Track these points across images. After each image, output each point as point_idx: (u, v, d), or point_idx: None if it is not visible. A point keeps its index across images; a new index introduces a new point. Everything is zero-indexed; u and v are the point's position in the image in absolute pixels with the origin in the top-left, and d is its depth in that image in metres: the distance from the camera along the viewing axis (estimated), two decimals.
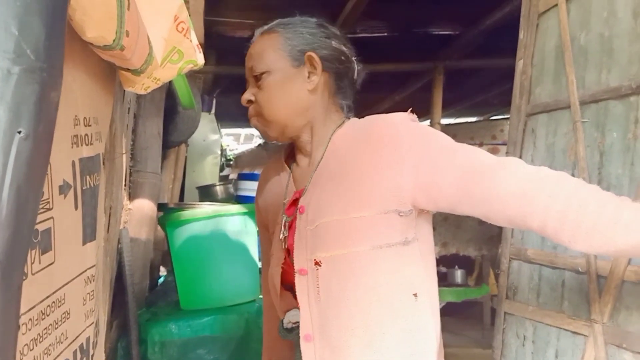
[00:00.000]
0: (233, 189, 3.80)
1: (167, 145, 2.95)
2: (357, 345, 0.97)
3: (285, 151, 1.23)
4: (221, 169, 4.84)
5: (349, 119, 1.13)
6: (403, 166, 0.96)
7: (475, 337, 4.50)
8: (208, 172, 4.44)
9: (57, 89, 0.54)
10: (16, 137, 0.49)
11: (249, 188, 3.90)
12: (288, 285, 1.13)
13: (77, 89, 0.91)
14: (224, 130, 7.39)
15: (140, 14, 0.97)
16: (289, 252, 1.11)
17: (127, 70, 1.03)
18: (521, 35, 1.89)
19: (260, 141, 8.00)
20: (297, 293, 1.05)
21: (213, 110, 4.60)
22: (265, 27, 1.14)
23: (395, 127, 0.98)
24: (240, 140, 9.49)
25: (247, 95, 1.11)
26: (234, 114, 6.06)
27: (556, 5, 1.71)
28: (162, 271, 3.19)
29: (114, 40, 0.85)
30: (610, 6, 1.53)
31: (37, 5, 0.51)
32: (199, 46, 1.24)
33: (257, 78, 1.09)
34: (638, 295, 1.37)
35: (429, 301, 1.00)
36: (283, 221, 1.11)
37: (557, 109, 1.70)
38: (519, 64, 1.88)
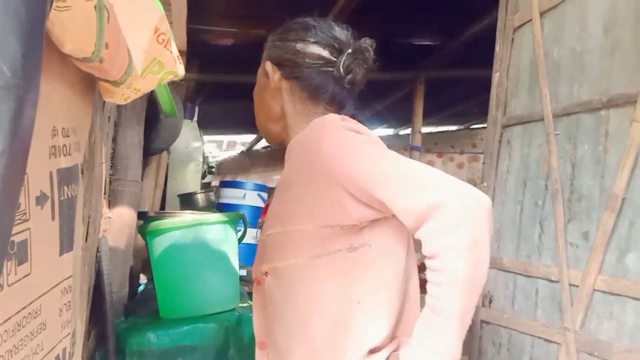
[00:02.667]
0: (214, 196, 3.79)
1: (149, 152, 2.93)
2: (301, 354, 0.96)
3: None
4: (203, 176, 4.81)
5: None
6: (334, 181, 0.89)
7: None
8: (190, 179, 4.41)
9: (33, 106, 0.55)
10: None
11: (231, 196, 3.90)
12: None
13: (56, 99, 0.91)
14: (206, 137, 7.37)
15: (120, 26, 0.98)
16: None
17: (107, 81, 1.04)
18: (497, 48, 1.93)
19: (243, 148, 7.98)
20: (253, 302, 1.08)
21: (195, 118, 4.58)
22: None
23: (319, 139, 0.93)
24: (222, 147, 9.45)
25: None
26: (216, 121, 6.06)
27: (531, 20, 1.76)
28: (143, 279, 3.17)
29: (92, 53, 0.86)
30: (582, 22, 1.58)
31: (13, 23, 0.52)
32: (180, 57, 1.25)
33: None
34: (608, 304, 1.41)
35: (376, 312, 0.93)
36: (258, 227, 1.16)
37: (531, 121, 1.74)
38: (495, 77, 1.92)
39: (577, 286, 1.50)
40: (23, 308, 0.79)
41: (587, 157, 1.53)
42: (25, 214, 0.77)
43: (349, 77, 1.03)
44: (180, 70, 1.23)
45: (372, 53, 1.07)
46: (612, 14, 1.48)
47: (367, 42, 1.07)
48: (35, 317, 0.85)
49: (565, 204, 1.60)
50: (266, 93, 1.10)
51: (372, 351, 0.92)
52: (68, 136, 0.98)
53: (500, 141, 1.90)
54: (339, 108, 1.08)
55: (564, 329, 1.52)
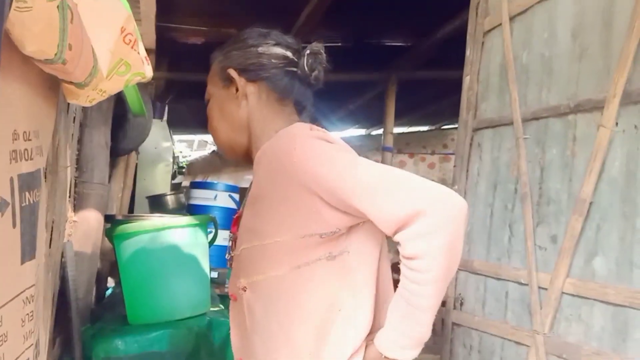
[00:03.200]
0: (185, 198, 3.74)
1: (117, 153, 2.87)
2: None
3: None
4: (173, 177, 4.74)
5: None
6: (308, 190, 0.90)
7: (428, 343, 4.56)
8: (160, 180, 4.33)
9: None
10: None
11: (202, 197, 3.85)
12: None
13: (17, 101, 0.88)
14: (176, 137, 7.27)
15: (84, 26, 0.94)
16: None
17: (71, 83, 1.00)
18: (468, 52, 1.95)
19: (214, 148, 7.91)
20: (230, 319, 1.06)
21: (165, 117, 4.50)
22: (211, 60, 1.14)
23: (289, 149, 0.92)
24: (193, 146, 9.35)
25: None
26: (187, 121, 5.98)
27: (500, 24, 1.78)
28: (110, 282, 3.10)
29: (55, 54, 0.83)
30: (550, 27, 1.60)
31: None
32: (147, 58, 1.21)
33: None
34: (576, 307, 1.43)
35: (357, 316, 0.94)
36: (230, 239, 1.11)
37: (501, 124, 1.76)
38: (466, 80, 1.94)
39: (546, 289, 1.52)
40: None
41: (555, 161, 1.55)
42: None
43: (314, 74, 1.06)
44: (148, 71, 1.20)
45: (325, 55, 1.09)
46: (580, 20, 1.50)
47: (319, 45, 1.09)
48: None
49: (534, 208, 1.62)
50: (228, 104, 1.07)
51: (352, 355, 0.94)
52: (30, 140, 0.95)
53: (471, 144, 1.92)
54: (302, 109, 1.10)
55: (534, 332, 1.54)
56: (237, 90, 1.05)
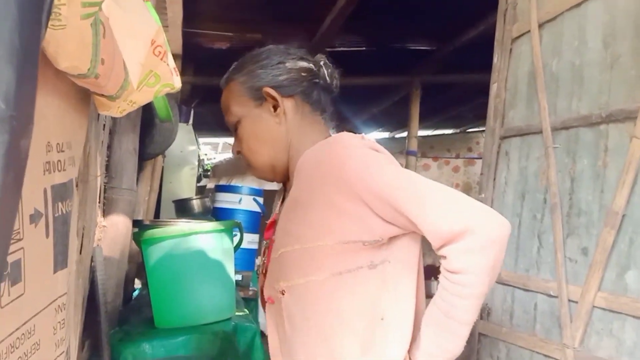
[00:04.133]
0: (210, 201, 3.77)
1: (144, 157, 2.91)
2: None
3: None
4: (198, 180, 4.79)
5: (330, 135, 1.10)
6: (359, 198, 0.91)
7: None
8: (185, 183, 4.39)
9: (27, 137, 0.53)
10: None
11: (227, 200, 3.88)
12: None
13: (50, 114, 0.90)
14: (201, 140, 7.34)
15: (116, 40, 0.96)
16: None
17: (102, 95, 1.02)
18: (495, 59, 1.92)
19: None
20: (267, 322, 1.06)
21: (191, 121, 4.56)
22: (223, 79, 1.14)
23: (343, 157, 0.94)
24: (218, 149, 9.44)
25: (234, 147, 1.13)
26: (212, 124, 6.04)
27: (529, 31, 1.75)
28: (137, 284, 3.14)
29: (88, 69, 0.84)
30: (581, 35, 1.57)
31: (7, 52, 0.50)
32: (176, 69, 1.23)
33: (235, 128, 1.10)
34: (608, 321, 1.40)
35: (398, 325, 0.96)
36: (263, 245, 1.12)
37: (529, 133, 1.73)
38: (493, 87, 1.91)
39: (577, 302, 1.49)
40: (17, 329, 0.78)
41: (586, 171, 1.52)
42: (18, 233, 0.76)
43: (335, 82, 1.11)
44: (176, 82, 1.22)
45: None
46: (612, 29, 1.47)
47: (324, 56, 1.14)
48: (29, 338, 0.83)
49: (564, 219, 1.59)
50: (265, 122, 1.07)
51: None
52: (63, 151, 0.97)
53: (498, 152, 1.89)
54: (329, 116, 1.13)
55: (563, 345, 1.51)
56: (274, 107, 1.06)
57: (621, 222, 1.40)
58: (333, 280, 0.94)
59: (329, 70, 1.10)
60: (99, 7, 0.77)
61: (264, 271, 1.11)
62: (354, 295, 0.94)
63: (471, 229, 0.84)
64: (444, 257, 0.87)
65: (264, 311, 1.17)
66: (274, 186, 1.23)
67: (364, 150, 0.94)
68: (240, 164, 7.49)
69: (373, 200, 0.90)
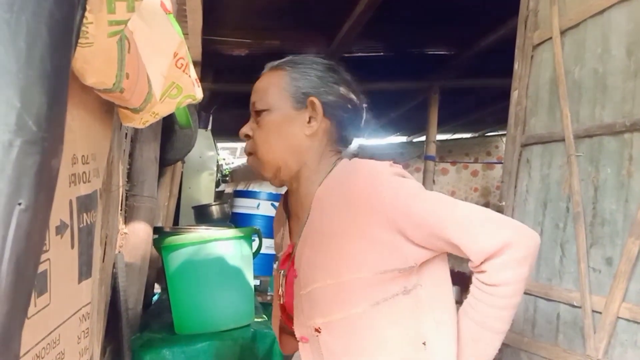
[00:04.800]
0: (229, 207, 3.79)
1: (164, 163, 2.94)
2: None
3: (285, 196, 1.16)
4: (217, 185, 4.82)
5: (340, 159, 1.06)
6: (393, 226, 0.90)
7: None
8: (204, 188, 4.42)
9: (58, 156, 0.54)
10: (16, 209, 0.48)
11: (245, 205, 3.90)
12: (286, 330, 1.12)
13: (76, 128, 0.91)
14: (220, 144, 7.40)
15: (140, 55, 0.98)
16: (284, 307, 1.09)
17: (126, 108, 1.04)
18: (516, 66, 1.90)
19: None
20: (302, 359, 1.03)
21: (209, 127, 4.60)
22: (275, 62, 1.07)
23: (374, 186, 0.92)
24: (236, 154, 9.50)
25: (246, 129, 1.06)
26: (230, 129, 6.07)
27: (550, 38, 1.73)
28: (157, 288, 3.17)
29: (114, 84, 0.86)
30: (604, 43, 1.55)
31: (39, 75, 0.51)
32: (198, 80, 1.25)
33: (257, 114, 1.03)
34: (633, 332, 1.38)
35: (442, 346, 0.94)
36: (280, 275, 1.08)
37: (551, 141, 1.71)
38: (514, 95, 1.89)
39: (600, 313, 1.47)
40: (42, 339, 0.79)
41: (610, 180, 1.50)
42: (45, 244, 0.77)
43: (367, 130, 1.11)
44: (198, 93, 1.23)
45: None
46: (636, 37, 1.45)
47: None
48: (54, 347, 0.84)
49: (588, 228, 1.56)
50: (293, 125, 1.02)
51: None
52: (87, 163, 0.98)
53: (519, 160, 1.87)
54: (346, 154, 1.11)
55: (587, 357, 1.49)
56: (310, 119, 1.02)
57: None
58: (372, 311, 0.93)
59: (368, 116, 1.09)
60: (125, 24, 0.78)
61: (283, 303, 1.09)
62: (393, 324, 0.93)
63: (510, 243, 0.86)
64: (483, 272, 0.89)
65: (278, 339, 1.17)
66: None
67: (393, 178, 0.93)
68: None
69: (408, 228, 0.90)
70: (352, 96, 1.06)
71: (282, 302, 1.08)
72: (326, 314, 0.95)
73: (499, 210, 1.86)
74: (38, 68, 0.52)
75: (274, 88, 1.03)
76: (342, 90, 1.04)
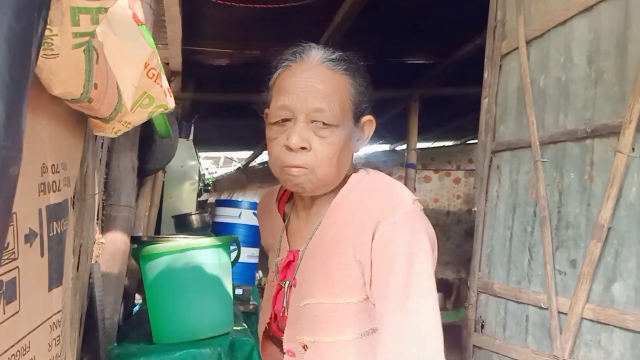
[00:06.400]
0: (209, 216, 3.79)
1: (144, 173, 2.94)
2: None
3: (279, 193, 1.09)
4: (199, 195, 4.82)
5: (355, 171, 0.98)
6: (367, 263, 0.87)
7: None
8: (186, 198, 4.41)
9: (17, 164, 0.56)
10: None
11: (227, 215, 3.90)
12: (272, 339, 1.08)
13: (45, 136, 0.93)
14: (203, 154, 7.38)
15: (109, 65, 0.99)
16: (276, 316, 1.04)
17: (97, 117, 1.06)
18: (485, 75, 1.96)
19: (240, 164, 7.99)
20: None
21: (191, 136, 4.60)
22: (322, 53, 0.94)
23: (392, 220, 0.85)
24: (219, 163, 9.48)
25: (300, 142, 0.88)
26: (212, 139, 6.08)
27: (517, 48, 1.79)
28: (138, 299, 3.16)
29: (81, 94, 0.87)
30: (566, 52, 1.60)
31: None
32: (170, 90, 1.27)
33: (323, 125, 0.88)
34: (596, 332, 1.42)
35: None
36: (286, 286, 1.00)
37: (519, 147, 1.76)
38: (484, 103, 1.95)
39: (566, 314, 1.51)
40: (11, 346, 0.80)
41: (573, 185, 1.55)
42: (13, 252, 0.78)
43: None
44: (170, 103, 1.25)
45: None
46: (596, 46, 1.50)
47: None
48: (24, 354, 0.85)
49: (553, 231, 1.61)
50: (350, 143, 0.93)
51: None
52: (58, 172, 0.99)
53: (489, 166, 1.92)
54: None
55: (554, 357, 1.53)
56: (360, 136, 0.95)
57: (607, 235, 1.42)
58: (359, 342, 0.88)
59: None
60: (91, 36, 0.80)
61: (278, 314, 1.02)
62: (374, 357, 0.86)
63: None
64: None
65: (260, 345, 1.11)
66: None
67: (414, 223, 0.86)
68: (241, 179, 7.51)
69: (371, 273, 0.85)
70: (372, 96, 0.98)
71: (283, 315, 1.01)
72: (315, 334, 0.91)
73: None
74: None
75: (342, 98, 0.90)
76: (370, 93, 0.96)
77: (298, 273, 0.96)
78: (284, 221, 1.06)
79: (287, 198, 1.08)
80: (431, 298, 0.82)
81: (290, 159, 0.89)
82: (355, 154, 1.00)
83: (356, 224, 0.88)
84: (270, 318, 1.04)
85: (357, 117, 0.92)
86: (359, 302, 0.88)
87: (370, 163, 7.06)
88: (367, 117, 0.94)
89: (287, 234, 1.03)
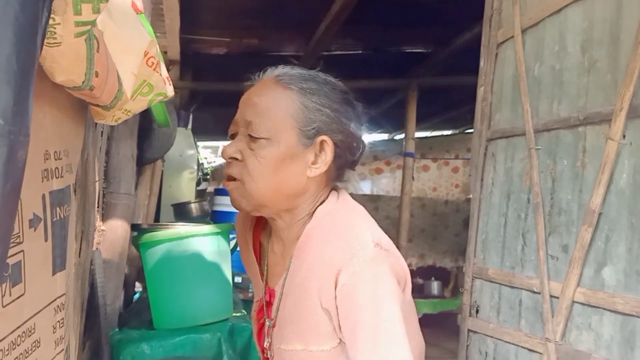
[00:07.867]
0: (209, 204, 3.82)
1: (143, 162, 2.97)
2: None
3: (252, 221, 1.03)
4: (198, 184, 4.84)
5: (327, 196, 0.92)
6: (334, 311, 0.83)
7: (452, 348, 4.53)
8: (184, 187, 4.43)
9: (24, 148, 0.59)
10: None
11: (225, 203, 3.93)
12: None
13: (48, 124, 0.95)
14: (201, 143, 7.38)
15: (110, 53, 1.01)
16: (264, 350, 1.01)
17: (97, 105, 1.08)
18: (482, 63, 1.98)
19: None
20: None
21: (190, 126, 4.61)
22: (279, 71, 0.90)
23: (354, 274, 0.80)
24: (218, 152, 9.48)
25: (233, 151, 0.87)
26: (211, 128, 6.09)
27: (513, 37, 1.81)
28: (138, 287, 3.20)
29: (83, 82, 0.89)
30: (561, 40, 1.62)
31: (5, 76, 0.56)
32: (169, 78, 1.29)
33: (253, 138, 0.85)
34: (587, 315, 1.45)
35: None
36: (266, 327, 0.97)
37: (514, 135, 1.78)
38: (480, 91, 1.97)
39: (558, 298, 1.55)
40: (17, 327, 0.83)
41: (566, 172, 1.58)
42: (19, 236, 0.81)
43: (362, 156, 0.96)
44: (169, 91, 1.27)
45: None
46: (589, 35, 1.53)
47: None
48: (29, 336, 0.88)
49: (546, 217, 1.64)
50: (294, 164, 0.86)
51: None
52: (60, 159, 1.01)
53: (485, 154, 1.95)
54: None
55: (546, 340, 1.57)
56: (315, 159, 0.87)
57: (598, 220, 1.46)
58: None
59: (364, 149, 0.95)
60: (92, 25, 0.82)
61: (265, 350, 0.99)
62: None
63: None
64: None
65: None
66: None
67: (377, 268, 0.81)
68: None
69: (352, 326, 0.81)
70: (359, 133, 0.92)
71: (270, 353, 0.97)
72: None
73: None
74: (4, 67, 0.56)
75: (281, 113, 0.85)
76: (353, 127, 0.89)
77: (277, 314, 0.92)
78: (260, 254, 1.02)
79: (263, 225, 1.02)
80: (401, 342, 0.78)
81: (225, 168, 0.90)
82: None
83: (320, 271, 0.84)
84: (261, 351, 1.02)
85: (307, 136, 0.85)
86: (333, 348, 0.84)
87: (369, 152, 7.07)
88: (321, 137, 0.85)
89: (264, 270, 0.99)
